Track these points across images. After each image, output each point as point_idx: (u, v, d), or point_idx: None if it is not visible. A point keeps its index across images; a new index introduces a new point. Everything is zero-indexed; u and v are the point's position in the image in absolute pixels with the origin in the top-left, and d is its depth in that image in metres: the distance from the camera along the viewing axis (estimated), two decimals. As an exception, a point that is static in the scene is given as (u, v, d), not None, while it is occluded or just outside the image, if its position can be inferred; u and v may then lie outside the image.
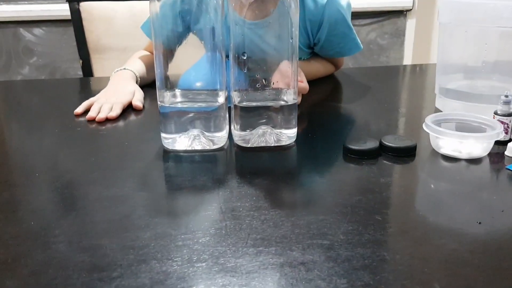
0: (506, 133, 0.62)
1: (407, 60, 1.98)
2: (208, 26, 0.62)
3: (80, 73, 1.88)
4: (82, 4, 1.30)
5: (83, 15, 1.31)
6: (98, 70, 1.34)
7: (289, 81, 0.62)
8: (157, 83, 0.62)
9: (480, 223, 0.45)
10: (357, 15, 1.92)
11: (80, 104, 0.80)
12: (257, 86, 0.62)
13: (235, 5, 0.61)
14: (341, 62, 1.02)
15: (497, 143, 0.61)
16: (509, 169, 0.56)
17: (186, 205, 0.49)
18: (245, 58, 0.61)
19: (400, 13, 1.93)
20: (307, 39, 0.93)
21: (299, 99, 0.76)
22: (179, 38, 0.62)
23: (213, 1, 0.61)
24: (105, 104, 0.79)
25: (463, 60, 0.75)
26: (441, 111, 0.75)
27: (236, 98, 0.63)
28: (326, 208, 0.48)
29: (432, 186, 0.54)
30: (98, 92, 0.85)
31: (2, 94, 0.99)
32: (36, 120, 0.79)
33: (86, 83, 1.15)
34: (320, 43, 0.93)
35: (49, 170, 0.59)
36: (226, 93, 0.64)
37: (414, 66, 1.20)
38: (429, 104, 0.79)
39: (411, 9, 1.91)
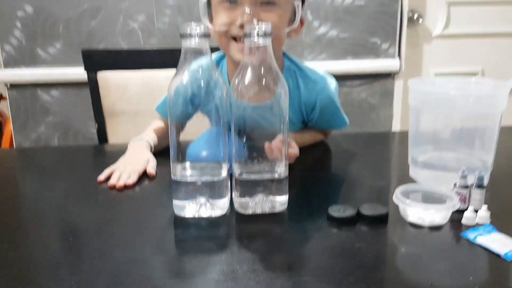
0: (464, 202, 0.73)
1: (396, 118, 2.12)
2: (214, 107, 0.74)
3: (92, 130, 2.03)
4: (99, 73, 1.45)
5: (100, 83, 1.45)
6: (112, 132, 1.47)
7: (278, 155, 0.74)
8: (171, 157, 0.75)
9: (430, 283, 0.56)
10: (350, 77, 2.07)
11: (100, 171, 0.92)
12: (254, 157, 0.75)
13: (237, 94, 0.73)
14: (330, 133, 1.15)
15: (457, 211, 0.72)
16: (463, 237, 0.67)
17: (195, 267, 0.60)
18: (244, 134, 0.74)
19: (388, 75, 2.09)
20: (301, 117, 1.06)
21: (291, 160, 0.88)
22: (189, 116, 0.75)
23: (219, 88, 0.74)
24: (123, 172, 0.91)
25: (431, 135, 0.87)
26: (414, 179, 0.87)
27: (236, 170, 0.75)
28: (309, 270, 0.59)
29: (403, 250, 0.65)
30: (114, 158, 0.97)
31: (25, 161, 1.12)
32: (61, 187, 0.91)
33: (103, 150, 1.28)
34: (312, 121, 1.06)
35: (76, 234, 0.70)
36: (228, 164, 0.76)
37: (393, 134, 1.33)
38: (404, 172, 0.91)
39: (398, 72, 2.07)
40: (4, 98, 2.12)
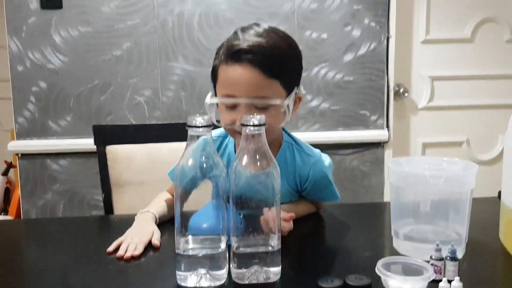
0: (440, 273, 0.82)
1: (388, 184, 2.22)
2: (214, 183, 0.84)
3: (96, 197, 2.12)
4: (108, 147, 1.56)
5: (108, 155, 1.56)
6: (118, 202, 1.56)
7: (273, 226, 0.83)
8: (176, 230, 0.83)
9: None
10: (342, 146, 2.20)
11: (105, 241, 1.00)
12: (250, 231, 0.84)
13: (236, 174, 0.83)
14: (323, 205, 1.24)
15: (433, 281, 0.80)
16: (438, 304, 0.75)
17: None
18: (242, 208, 0.83)
19: (378, 145, 2.22)
20: (296, 187, 1.16)
21: (284, 233, 0.97)
22: (196, 183, 0.84)
23: (217, 168, 0.84)
24: (131, 244, 0.99)
25: (410, 210, 0.97)
26: (397, 250, 0.96)
27: (234, 243, 0.84)
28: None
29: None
30: (119, 229, 1.05)
31: (32, 231, 1.20)
32: (66, 257, 0.99)
33: (108, 221, 1.37)
34: (306, 191, 1.16)
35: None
36: (227, 237, 0.84)
37: (383, 204, 1.43)
38: (389, 243, 1.00)
39: (387, 142, 2.20)
40: (14, 166, 2.23)
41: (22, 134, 2.09)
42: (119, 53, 2.09)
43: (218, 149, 1.17)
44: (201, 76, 2.11)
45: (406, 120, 2.31)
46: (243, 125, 0.84)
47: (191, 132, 0.84)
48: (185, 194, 0.85)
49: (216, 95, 1.07)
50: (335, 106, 2.19)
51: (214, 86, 1.07)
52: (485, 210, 1.18)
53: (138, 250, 0.97)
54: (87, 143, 2.04)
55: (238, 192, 0.83)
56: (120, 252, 0.96)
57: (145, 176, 1.56)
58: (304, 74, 2.11)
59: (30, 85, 2.08)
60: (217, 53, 1.06)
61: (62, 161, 2.12)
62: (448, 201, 0.94)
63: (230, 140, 1.18)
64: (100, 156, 1.57)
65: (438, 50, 2.25)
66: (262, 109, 1.01)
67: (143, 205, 1.26)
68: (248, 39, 1.00)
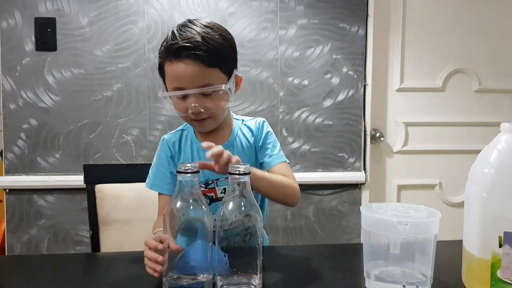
0: (405, 312, 0.90)
1: (365, 225, 2.31)
2: (200, 226, 0.92)
3: (80, 233, 2.16)
4: (97, 185, 1.63)
5: (97, 194, 1.63)
6: (105, 239, 1.61)
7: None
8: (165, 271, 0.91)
9: None
10: (321, 186, 2.30)
11: (96, 280, 1.06)
12: (234, 271, 0.91)
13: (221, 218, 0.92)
14: (290, 176, 1.26)
15: (400, 319, 0.89)
16: None
17: None
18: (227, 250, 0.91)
19: (356, 186, 2.32)
20: (256, 158, 1.28)
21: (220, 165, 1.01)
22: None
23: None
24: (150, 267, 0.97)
25: (381, 252, 1.06)
26: (369, 290, 1.04)
27: (219, 282, 0.91)
28: None
29: None
30: (105, 267, 1.11)
31: (18, 268, 1.24)
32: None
33: (96, 259, 1.41)
34: (261, 154, 1.27)
35: None
36: (212, 277, 0.92)
37: (357, 246, 1.51)
38: (361, 283, 1.08)
39: (364, 183, 2.30)
40: (0, 201, 2.27)
41: (11, 169, 2.14)
42: (110, 94, 2.18)
43: (180, 139, 1.29)
44: (187, 117, 2.21)
45: (382, 163, 2.43)
46: (230, 173, 0.92)
47: (179, 177, 0.92)
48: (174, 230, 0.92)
49: (166, 89, 1.19)
50: (315, 148, 2.29)
51: (164, 81, 1.20)
52: (451, 252, 1.27)
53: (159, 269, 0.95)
54: (75, 179, 2.10)
55: (223, 235, 0.91)
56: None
57: (132, 215, 1.62)
58: (286, 118, 2.23)
59: (21, 122, 2.14)
60: (160, 52, 1.18)
61: (49, 197, 2.16)
62: (414, 245, 1.03)
63: (189, 129, 1.30)
64: (89, 194, 1.63)
65: (412, 98, 2.40)
66: (208, 95, 1.14)
67: (130, 243, 1.32)
68: (185, 36, 1.11)
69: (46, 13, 2.11)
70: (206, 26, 1.15)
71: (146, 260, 0.96)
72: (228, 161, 0.99)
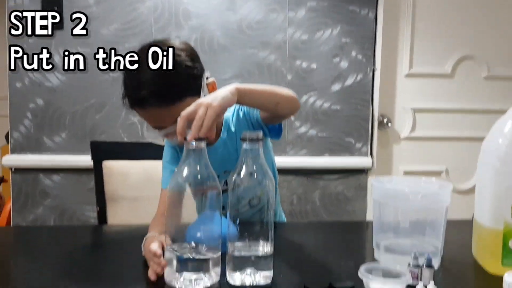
0: (416, 279, 0.89)
1: (370, 209, 2.31)
2: (213, 190, 0.91)
3: (86, 213, 2.16)
4: (104, 162, 1.62)
5: (104, 170, 1.62)
6: (112, 215, 1.61)
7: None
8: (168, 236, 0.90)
9: None
10: (328, 172, 2.29)
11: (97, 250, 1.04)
12: (245, 237, 0.90)
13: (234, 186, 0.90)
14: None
15: (411, 286, 0.88)
16: (414, 305, 0.82)
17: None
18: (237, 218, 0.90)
19: (362, 171, 2.31)
20: (254, 128, 1.19)
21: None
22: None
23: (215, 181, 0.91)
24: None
25: (391, 225, 1.05)
26: (378, 261, 1.03)
27: (230, 248, 0.91)
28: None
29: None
30: (110, 239, 1.08)
31: (23, 239, 1.24)
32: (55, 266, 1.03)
33: (102, 231, 1.41)
34: (255, 117, 1.19)
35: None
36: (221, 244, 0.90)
37: (365, 223, 1.50)
38: (371, 254, 1.07)
39: (370, 169, 2.29)
40: (5, 181, 2.27)
41: (17, 148, 2.14)
42: (116, 75, 2.15)
43: None
44: (194, 99, 2.20)
45: (389, 149, 2.41)
46: (242, 139, 0.91)
47: (186, 146, 0.90)
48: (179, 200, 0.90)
49: None
50: (322, 133, 2.28)
51: None
52: (461, 230, 1.26)
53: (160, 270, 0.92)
54: (81, 160, 2.10)
55: (235, 201, 0.90)
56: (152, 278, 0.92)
57: (140, 192, 1.62)
58: (293, 101, 2.21)
59: (28, 101, 2.14)
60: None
61: (54, 177, 2.16)
62: (426, 217, 1.02)
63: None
64: (96, 170, 1.63)
65: (421, 84, 2.38)
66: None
67: (137, 220, 1.31)
68: (136, 86, 1.06)
69: (54, -8, 2.10)
70: (157, 70, 1.07)
71: (151, 264, 0.93)
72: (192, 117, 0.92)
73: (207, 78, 1.14)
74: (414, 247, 1.01)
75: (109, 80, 2.17)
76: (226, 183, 1.21)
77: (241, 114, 1.24)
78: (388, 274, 0.89)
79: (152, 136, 1.14)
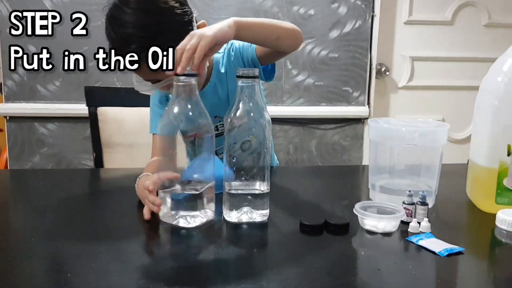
0: (410, 216, 0.90)
1: (366, 159, 2.32)
2: (208, 131, 0.90)
3: (83, 162, 2.17)
4: (99, 108, 1.61)
5: (99, 117, 1.61)
6: (108, 161, 1.61)
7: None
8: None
9: (379, 269, 0.72)
10: (324, 121, 2.28)
11: (98, 193, 1.05)
12: (241, 175, 0.90)
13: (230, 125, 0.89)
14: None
15: (405, 223, 0.89)
16: (408, 240, 0.83)
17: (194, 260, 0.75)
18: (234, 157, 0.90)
19: (358, 120, 2.31)
20: (246, 65, 1.16)
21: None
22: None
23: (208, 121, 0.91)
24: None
25: (386, 165, 1.05)
26: (373, 200, 1.04)
27: (226, 186, 0.91)
28: (280, 274, 0.74)
29: (363, 253, 0.82)
30: (109, 181, 1.09)
31: (20, 182, 1.24)
32: (53, 209, 1.04)
33: (99, 174, 1.42)
34: (251, 54, 1.15)
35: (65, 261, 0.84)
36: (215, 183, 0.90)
37: (361, 167, 1.51)
38: (365, 194, 1.08)
39: (367, 117, 2.29)
40: (1, 130, 2.25)
41: (11, 97, 2.11)
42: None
43: None
44: (190, 47, 2.15)
45: (386, 98, 2.40)
46: (238, 76, 0.89)
47: (176, 81, 0.88)
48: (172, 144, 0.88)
49: None
50: (319, 82, 2.26)
51: None
52: (456, 173, 1.27)
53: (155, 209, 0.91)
54: (76, 108, 2.08)
55: (231, 140, 0.90)
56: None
57: (135, 138, 1.61)
58: (290, 49, 2.18)
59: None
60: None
61: (50, 125, 2.15)
62: (421, 157, 1.03)
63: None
64: (91, 117, 1.62)
65: (420, 31, 2.34)
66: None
67: (133, 166, 1.31)
68: (121, 36, 1.02)
69: None
70: (136, 10, 1.01)
71: (146, 201, 0.92)
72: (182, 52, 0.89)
73: (196, 21, 1.09)
74: (409, 187, 1.02)
75: (102, 26, 2.11)
76: (217, 128, 1.20)
77: (232, 54, 1.18)
78: (382, 211, 0.91)
79: (144, 89, 1.09)
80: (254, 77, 0.90)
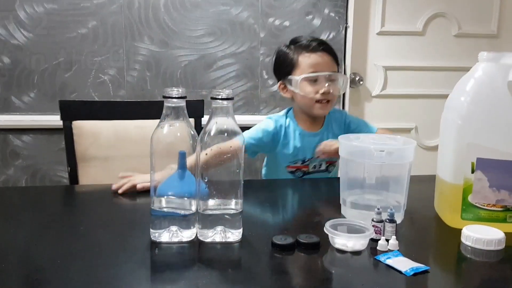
0: (379, 234, 0.93)
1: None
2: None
3: (58, 174, 2.15)
4: (74, 122, 1.60)
5: (74, 130, 1.60)
6: (83, 175, 1.61)
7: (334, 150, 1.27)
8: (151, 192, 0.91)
9: (347, 289, 0.74)
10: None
11: (68, 210, 1.06)
12: (214, 195, 0.92)
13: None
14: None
15: (374, 240, 0.92)
16: (377, 259, 0.86)
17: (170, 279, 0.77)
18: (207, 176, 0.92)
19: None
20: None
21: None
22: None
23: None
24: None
25: (357, 181, 1.08)
26: (345, 217, 1.07)
27: (201, 206, 0.93)
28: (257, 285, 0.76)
29: (333, 271, 0.84)
30: (83, 198, 1.10)
31: None
32: (28, 225, 1.04)
33: (73, 191, 1.42)
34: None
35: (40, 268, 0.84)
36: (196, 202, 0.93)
37: (334, 179, 1.54)
38: (337, 210, 1.11)
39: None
40: (-26, 142, 2.22)
41: (-16, 109, 2.09)
42: (84, 32, 2.11)
43: (285, 123, 1.52)
44: (166, 58, 2.16)
45: (361, 106, 2.44)
46: (215, 98, 0.91)
47: (166, 103, 0.90)
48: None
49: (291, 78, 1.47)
50: (295, 91, 2.29)
51: (289, 72, 1.47)
52: (425, 186, 1.31)
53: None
54: (51, 119, 2.07)
55: (204, 161, 0.91)
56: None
57: (111, 152, 1.61)
58: (267, 60, 2.20)
59: (-7, 60, 2.07)
60: (286, 51, 1.49)
61: (24, 137, 2.13)
62: (390, 173, 1.06)
63: (290, 116, 1.54)
64: (66, 130, 1.61)
65: (392, 42, 2.39)
66: (332, 81, 1.45)
67: (109, 180, 1.31)
68: (315, 38, 1.50)
69: None
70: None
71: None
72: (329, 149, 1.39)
73: None
74: (378, 203, 1.05)
75: (77, 37, 2.11)
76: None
77: (349, 125, 1.63)
78: (352, 229, 0.93)
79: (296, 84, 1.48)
80: (228, 98, 0.91)
